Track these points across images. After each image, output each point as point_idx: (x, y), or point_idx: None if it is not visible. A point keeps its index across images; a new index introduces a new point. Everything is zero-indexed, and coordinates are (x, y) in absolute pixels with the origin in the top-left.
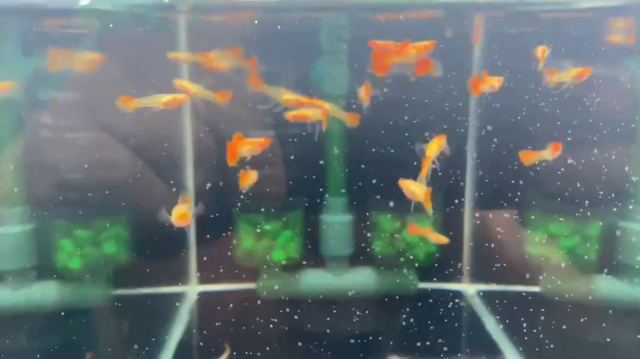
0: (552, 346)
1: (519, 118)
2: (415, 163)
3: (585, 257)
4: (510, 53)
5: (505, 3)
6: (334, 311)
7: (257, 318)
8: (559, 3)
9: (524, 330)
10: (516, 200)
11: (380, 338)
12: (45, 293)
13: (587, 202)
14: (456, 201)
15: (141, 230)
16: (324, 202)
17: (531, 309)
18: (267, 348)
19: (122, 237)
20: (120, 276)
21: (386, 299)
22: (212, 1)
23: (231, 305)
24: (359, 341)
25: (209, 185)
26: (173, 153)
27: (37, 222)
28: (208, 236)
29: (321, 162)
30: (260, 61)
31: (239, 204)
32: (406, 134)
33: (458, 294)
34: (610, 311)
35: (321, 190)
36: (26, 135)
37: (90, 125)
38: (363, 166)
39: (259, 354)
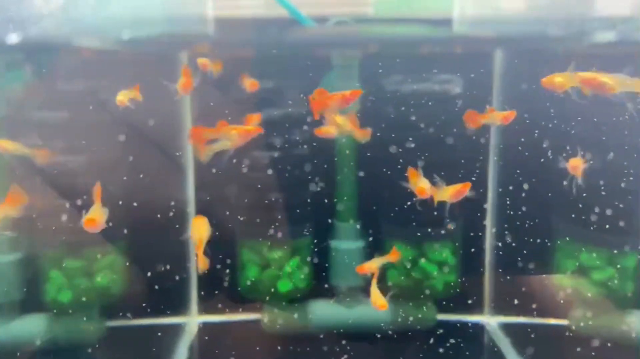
0: None
1: (544, 138)
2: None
3: (620, 291)
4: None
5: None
6: (345, 346)
7: (262, 352)
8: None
9: None
10: (542, 227)
11: None
12: (33, 327)
13: (623, 231)
14: (477, 228)
15: (138, 258)
16: (334, 228)
17: (557, 344)
18: None
19: (116, 267)
20: (115, 307)
21: (402, 332)
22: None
23: (234, 338)
24: None
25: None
26: (173, 177)
27: (25, 251)
28: (210, 264)
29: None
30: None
31: (242, 230)
32: (421, 156)
33: (479, 326)
34: None
35: (331, 214)
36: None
37: (84, 148)
38: (376, 189)
39: None
